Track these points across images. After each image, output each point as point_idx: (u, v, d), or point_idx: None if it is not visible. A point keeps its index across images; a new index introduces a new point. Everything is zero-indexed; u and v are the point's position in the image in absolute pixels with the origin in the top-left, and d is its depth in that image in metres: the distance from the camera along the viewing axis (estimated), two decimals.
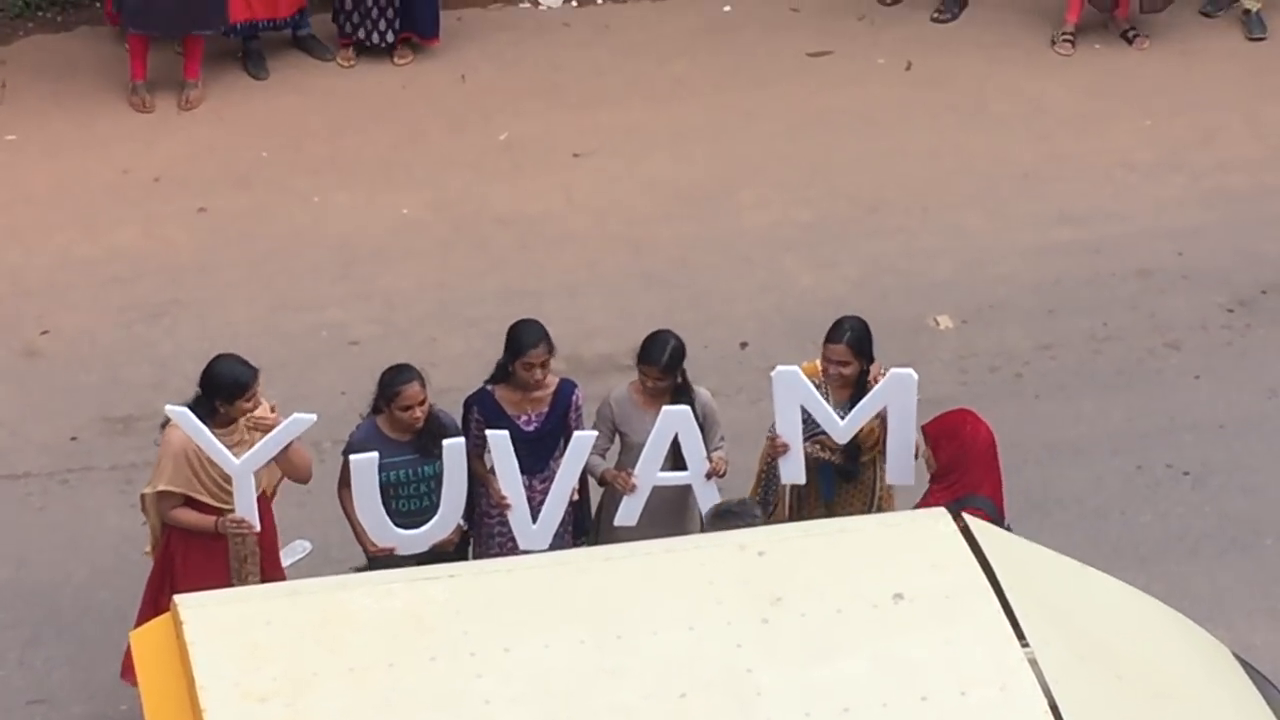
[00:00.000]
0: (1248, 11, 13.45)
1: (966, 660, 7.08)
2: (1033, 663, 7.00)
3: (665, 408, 8.91)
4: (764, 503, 9.59)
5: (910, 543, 7.66)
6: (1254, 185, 12.43)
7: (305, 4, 12.93)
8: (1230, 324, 11.39)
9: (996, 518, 8.66)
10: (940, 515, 7.78)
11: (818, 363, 9.19)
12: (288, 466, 9.00)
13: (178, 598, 7.43)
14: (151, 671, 7.20)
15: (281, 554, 9.47)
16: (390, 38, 12.81)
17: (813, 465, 9.24)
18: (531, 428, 9.03)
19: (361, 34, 12.78)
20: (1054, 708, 6.83)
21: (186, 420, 8.64)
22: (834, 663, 7.07)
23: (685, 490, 9.16)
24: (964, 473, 9.05)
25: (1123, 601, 8.10)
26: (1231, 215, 12.15)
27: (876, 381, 9.13)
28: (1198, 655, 8.03)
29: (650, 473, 8.97)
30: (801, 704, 6.89)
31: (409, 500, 9.03)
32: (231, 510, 8.84)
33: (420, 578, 7.65)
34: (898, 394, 9.01)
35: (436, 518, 9.03)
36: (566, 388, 9.15)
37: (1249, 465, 10.64)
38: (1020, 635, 7.15)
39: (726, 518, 8.59)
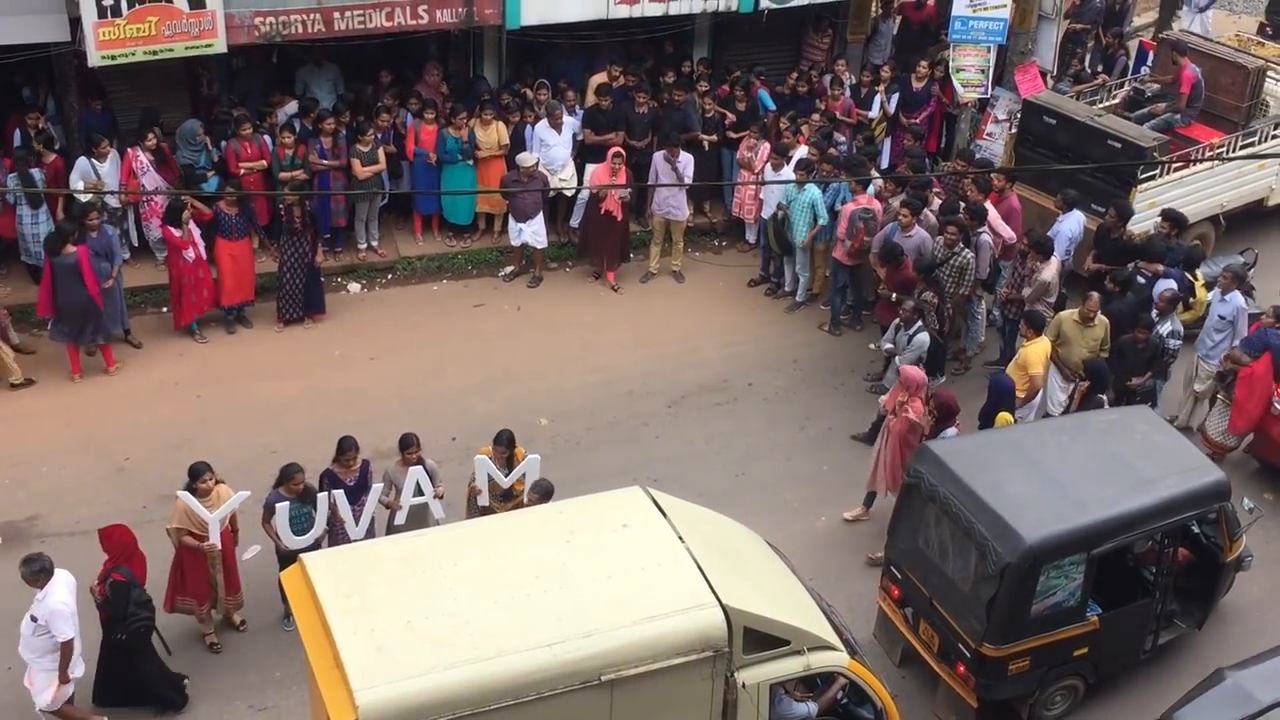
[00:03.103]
0: (675, 271, 14.44)
1: (657, 550, 7.78)
2: (687, 550, 7.78)
3: (410, 468, 9.58)
4: (470, 509, 9.76)
5: (625, 503, 8.15)
6: (678, 349, 13.48)
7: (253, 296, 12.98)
8: (670, 413, 12.48)
9: (134, 582, 8.55)
10: (636, 491, 8.16)
11: (490, 447, 9.69)
12: (232, 518, 9.38)
13: (304, 555, 7.70)
14: (295, 590, 7.56)
15: (244, 553, 9.55)
16: (301, 314, 13.20)
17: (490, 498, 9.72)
18: (352, 483, 9.60)
19: (288, 314, 13.22)
20: (700, 568, 7.65)
21: (186, 497, 9.16)
22: (600, 555, 7.72)
23: (424, 506, 9.66)
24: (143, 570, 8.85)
25: (713, 518, 8.58)
26: (664, 364, 13.15)
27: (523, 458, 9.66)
28: (748, 540, 8.63)
29: (406, 499, 9.62)
30: (589, 573, 7.56)
31: (300, 522, 9.42)
32: (206, 538, 9.15)
33: (414, 536, 8.13)
34: (531, 465, 9.76)
35: (313, 530, 9.42)
36: (366, 464, 9.71)
37: (687, 470, 11.50)
38: (680, 538, 7.86)
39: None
